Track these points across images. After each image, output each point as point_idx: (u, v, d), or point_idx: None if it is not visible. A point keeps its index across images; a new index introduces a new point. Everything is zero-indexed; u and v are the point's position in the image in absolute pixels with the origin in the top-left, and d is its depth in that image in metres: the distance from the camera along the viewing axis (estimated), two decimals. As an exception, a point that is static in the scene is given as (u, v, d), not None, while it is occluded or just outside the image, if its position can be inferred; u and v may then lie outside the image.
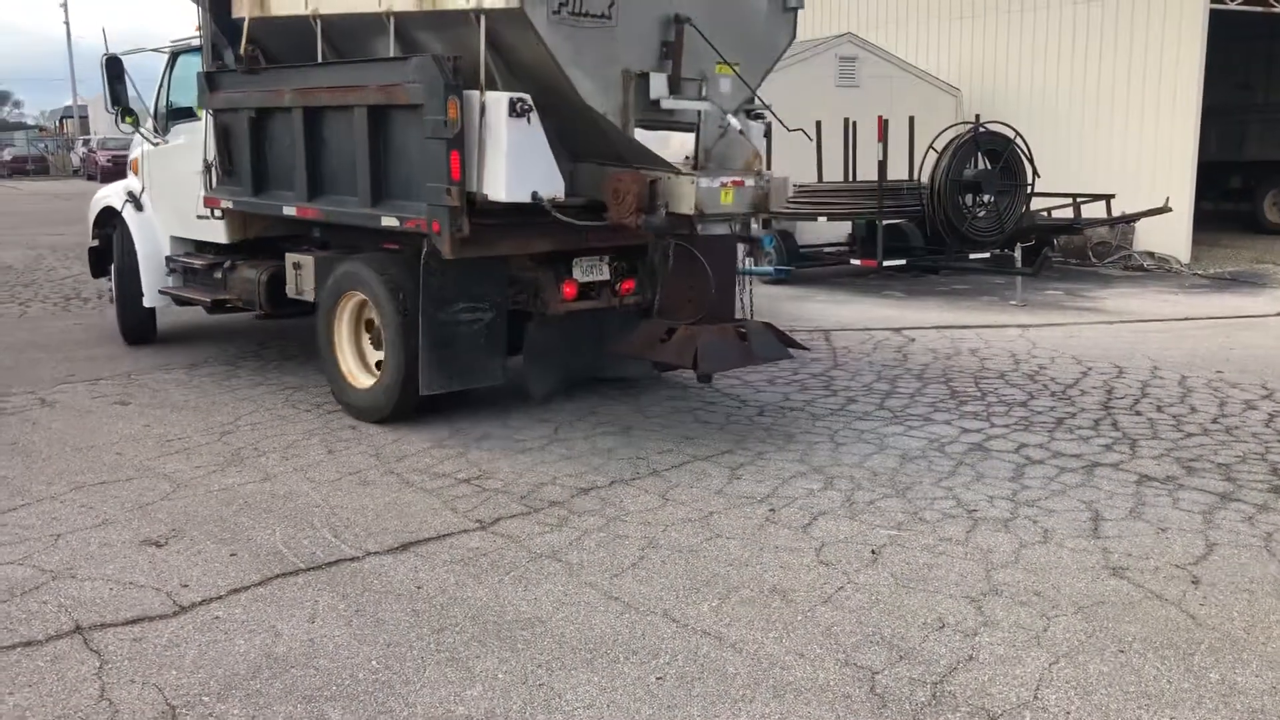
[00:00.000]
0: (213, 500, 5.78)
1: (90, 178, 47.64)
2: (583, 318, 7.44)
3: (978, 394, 8.15)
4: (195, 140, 8.62)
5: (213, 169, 8.37)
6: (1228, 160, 20.09)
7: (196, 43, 8.74)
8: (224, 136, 8.20)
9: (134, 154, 9.93)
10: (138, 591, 4.64)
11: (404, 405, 7.06)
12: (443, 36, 6.74)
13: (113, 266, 9.88)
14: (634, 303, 7.42)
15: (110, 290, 10.12)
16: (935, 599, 4.55)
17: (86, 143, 53.05)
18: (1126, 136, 16.38)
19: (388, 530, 5.34)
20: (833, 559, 4.98)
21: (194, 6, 8.57)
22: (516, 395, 7.97)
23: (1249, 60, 19.99)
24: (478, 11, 6.29)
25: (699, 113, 6.73)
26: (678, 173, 6.43)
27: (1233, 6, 15.29)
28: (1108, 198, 15.04)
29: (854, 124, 14.81)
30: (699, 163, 6.69)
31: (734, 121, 6.82)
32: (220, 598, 4.58)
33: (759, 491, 5.90)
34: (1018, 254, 13.24)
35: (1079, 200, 14.95)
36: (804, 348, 7.86)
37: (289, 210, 7.70)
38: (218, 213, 8.45)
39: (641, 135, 6.63)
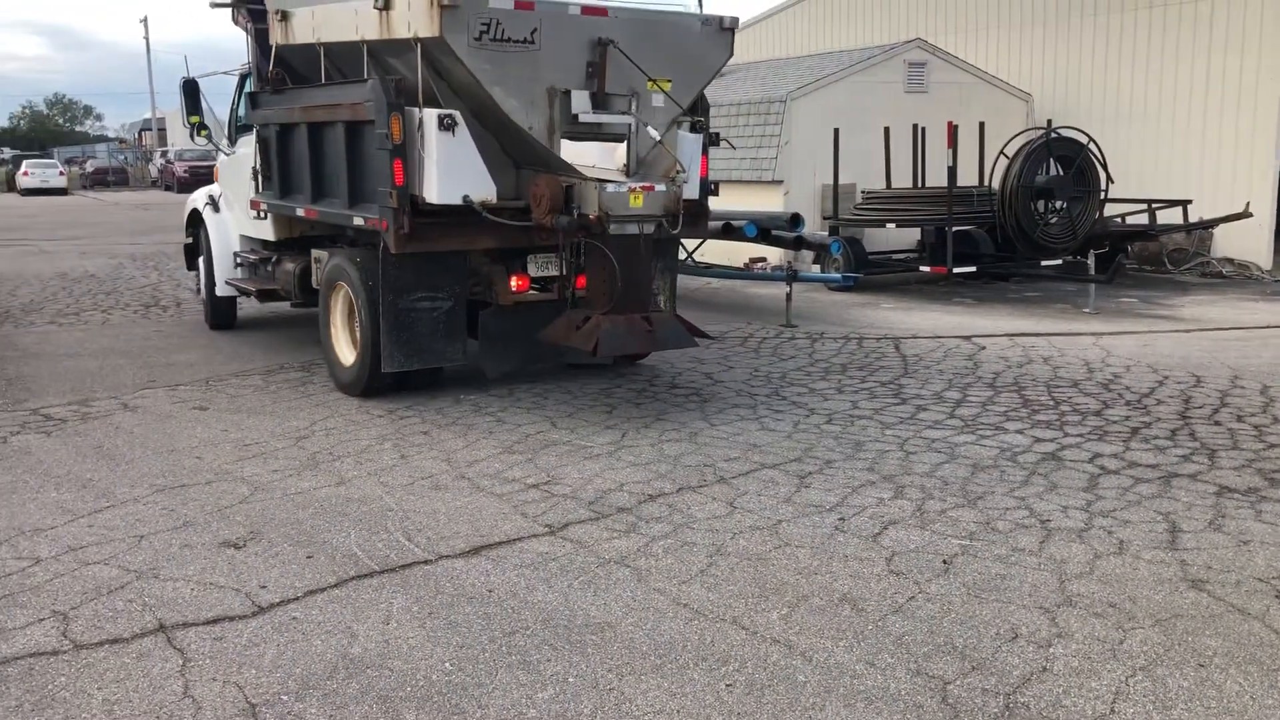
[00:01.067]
0: (289, 503, 5.90)
1: (168, 188, 48.87)
2: (539, 308, 8.15)
3: (1050, 403, 8.03)
4: (250, 151, 9.77)
5: (257, 175, 9.50)
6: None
7: None
8: (263, 147, 9.33)
9: (216, 163, 11.61)
10: (218, 592, 4.76)
11: (374, 381, 8.03)
12: (402, 60, 7.53)
13: (198, 261, 11.64)
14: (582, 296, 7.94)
15: (198, 281, 11.78)
16: (1008, 609, 4.50)
17: (164, 154, 54.42)
18: (1204, 141, 16.04)
19: (459, 534, 5.41)
20: (904, 568, 4.94)
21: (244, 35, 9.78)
22: (583, 401, 8.02)
23: None
24: (415, 40, 7.13)
25: (629, 126, 7.49)
26: (584, 179, 7.13)
27: (1316, 7, 14.90)
28: (1184, 203, 14.74)
29: (923, 130, 14.69)
30: (630, 170, 7.51)
31: (652, 133, 7.47)
32: (297, 599, 4.68)
33: (828, 500, 5.88)
34: (1091, 261, 13.03)
35: (1155, 206, 14.67)
36: (710, 337, 8.87)
37: (300, 211, 8.85)
38: (261, 214, 9.64)
39: (570, 146, 7.42)
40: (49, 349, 10.51)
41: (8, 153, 71.17)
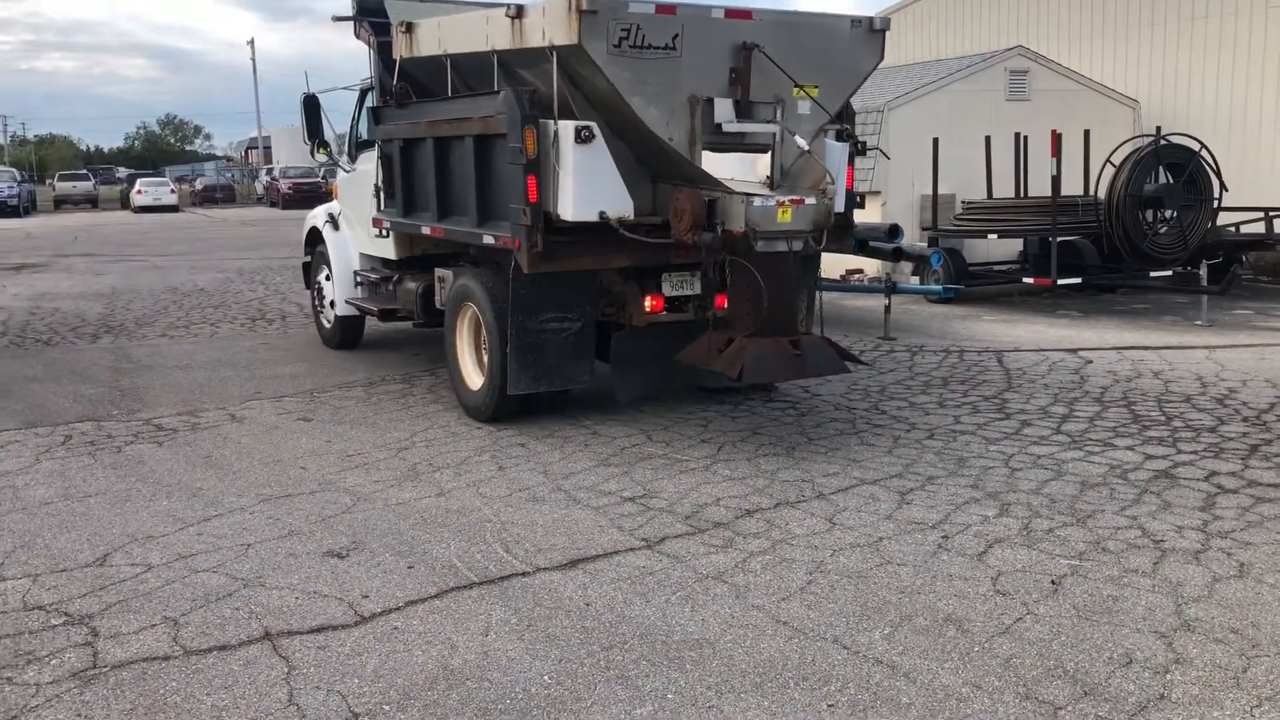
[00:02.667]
0: (390, 514, 5.98)
1: (273, 204, 50.27)
2: (673, 329, 7.67)
3: (1162, 418, 7.76)
4: (371, 167, 9.49)
5: (379, 192, 9.26)
6: None
7: None
8: (386, 163, 9.07)
9: (335, 180, 11.35)
10: (322, 601, 4.84)
11: (502, 405, 7.72)
12: (535, 71, 7.20)
13: (317, 280, 11.34)
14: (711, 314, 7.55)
15: (316, 300, 11.51)
16: (1121, 633, 4.34)
17: (270, 171, 55.95)
18: (1324, 146, 15.40)
19: (556, 547, 5.42)
20: (1010, 589, 4.80)
21: (365, 49, 9.56)
22: (678, 414, 8.00)
23: None
24: (550, 48, 6.78)
25: (774, 135, 7.00)
26: (730, 192, 6.66)
27: None
28: (1303, 211, 14.15)
29: (1025, 138, 14.38)
30: (775, 183, 7.02)
31: (800, 142, 6.95)
32: (399, 609, 4.73)
33: (930, 517, 5.75)
34: (1203, 271, 12.58)
35: (1271, 214, 14.11)
36: (863, 363, 8.09)
37: (425, 229, 8.51)
38: (385, 231, 9.34)
39: (711, 158, 6.99)
40: (160, 361, 10.86)
41: (123, 172, 73.97)
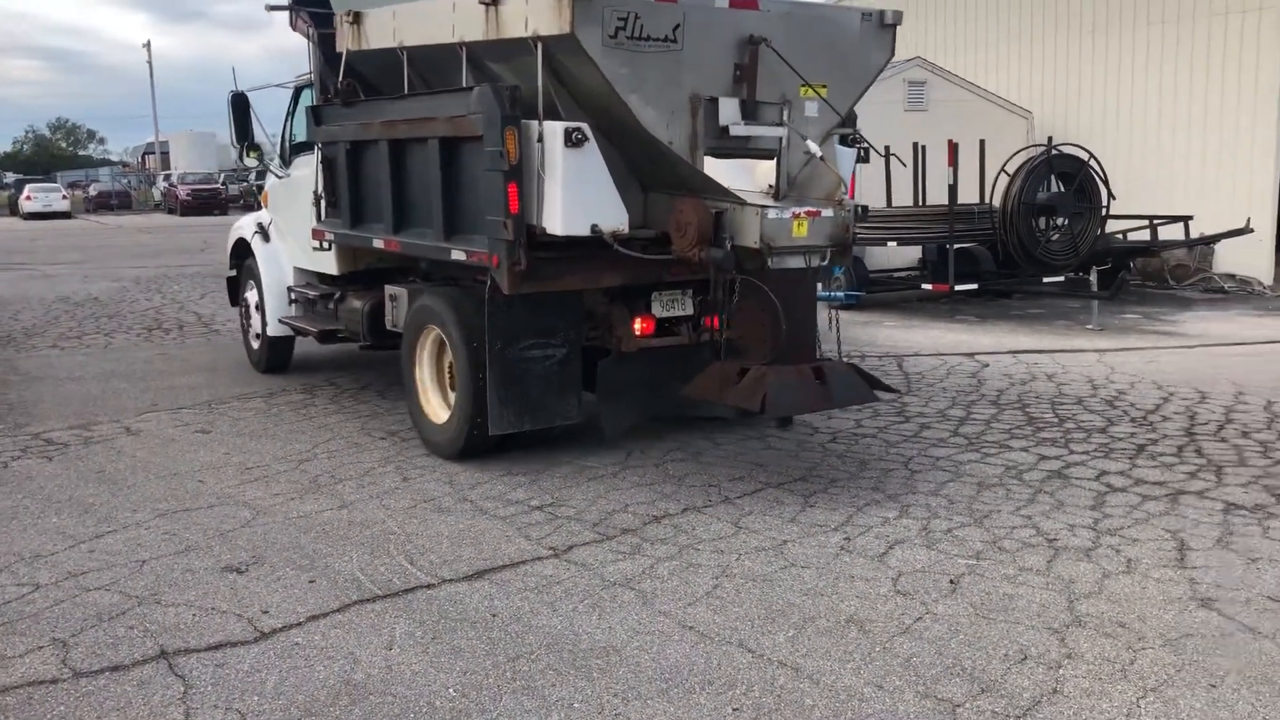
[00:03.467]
0: (291, 527, 5.87)
1: (171, 211, 49.00)
2: (663, 353, 7.08)
3: (1055, 420, 8.00)
4: (310, 173, 8.64)
5: (320, 201, 8.34)
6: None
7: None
8: (328, 169, 8.17)
9: (265, 186, 10.32)
10: (220, 617, 4.72)
11: (475, 443, 6.89)
12: (510, 66, 6.57)
13: (245, 296, 10.37)
14: (718, 340, 6.88)
15: (244, 320, 10.54)
16: (1017, 630, 4.46)
17: (168, 177, 54.55)
18: (1205, 158, 16.05)
19: (462, 558, 5.38)
20: (910, 589, 4.90)
21: (305, 43, 8.67)
22: (587, 423, 8.00)
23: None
24: (534, 38, 6.08)
25: (780, 139, 6.34)
26: (742, 203, 6.07)
27: (1314, 22, 14.94)
28: (1186, 219, 14.74)
29: (923, 148, 14.71)
30: (780, 192, 6.30)
31: (813, 147, 6.41)
32: (300, 624, 4.64)
33: (833, 520, 5.84)
34: (1093, 277, 13.01)
35: (1156, 222, 14.67)
36: (893, 390, 7.41)
37: (377, 243, 7.64)
38: (325, 244, 8.47)
39: (712, 164, 6.34)
40: (51, 373, 10.50)
41: (10, 177, 71.38)
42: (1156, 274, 16.32)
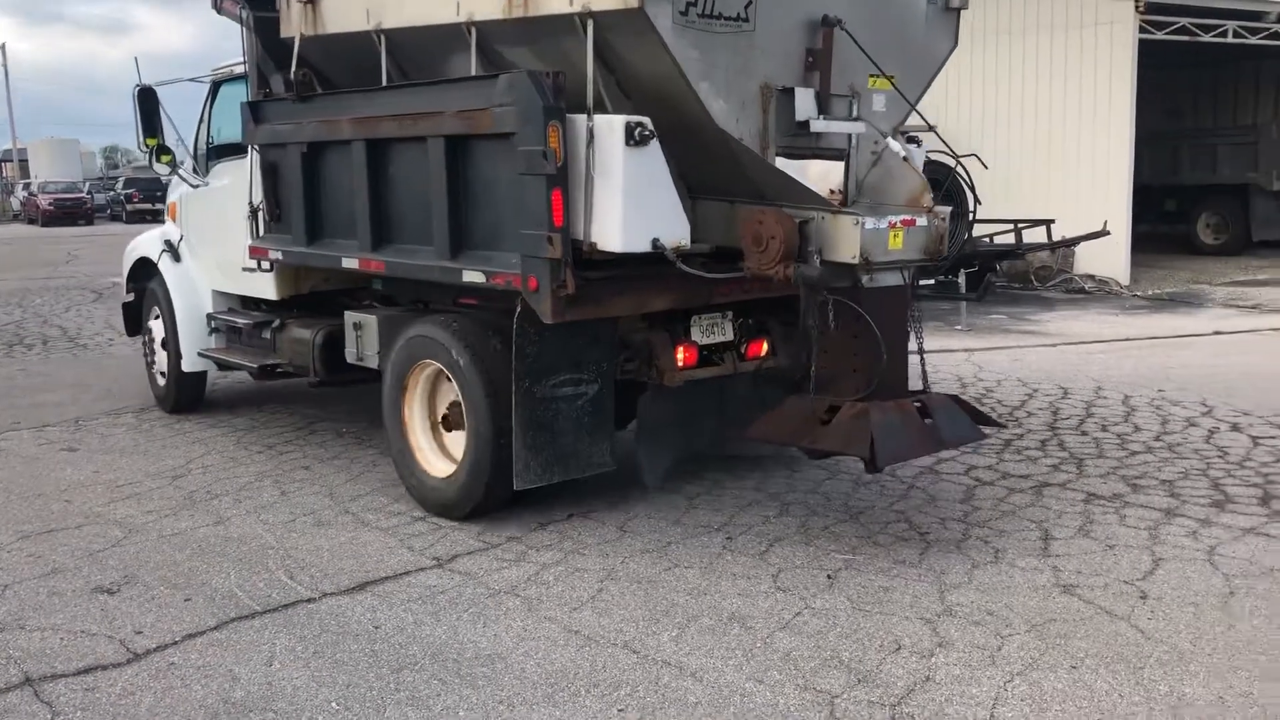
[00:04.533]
0: (165, 545, 5.71)
1: (31, 221, 46.94)
2: (700, 386, 6.21)
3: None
4: (241, 181, 7.54)
5: (259, 214, 7.20)
6: (1163, 184, 20.64)
7: (240, 70, 7.78)
8: (271, 175, 7.04)
9: (171, 197, 9.03)
10: (90, 640, 4.57)
11: (491, 500, 5.89)
12: (538, 51, 5.65)
13: (148, 324, 8.96)
14: (765, 368, 6.32)
15: (148, 352, 9.08)
16: (891, 621, 4.61)
17: (27, 186, 52.28)
18: (1065, 163, 16.75)
19: (344, 570, 5.31)
20: (790, 585, 5.02)
21: (237, 28, 7.57)
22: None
23: (1179, 88, 20.57)
24: (584, 15, 5.15)
25: (850, 137, 5.62)
26: (836, 211, 5.21)
27: (1160, 36, 15.73)
28: (1048, 223, 15.32)
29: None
30: (848, 198, 5.61)
31: (896, 146, 5.72)
32: (175, 643, 4.53)
33: (716, 520, 5.94)
34: (961, 280, 13.45)
35: (1020, 226, 15.22)
36: (998, 423, 6.65)
37: (349, 263, 6.54)
38: (266, 264, 7.33)
39: (782, 165, 5.53)
40: (-98, 392, 9.99)
41: None
42: (1021, 276, 16.95)
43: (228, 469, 7.14)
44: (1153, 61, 16.26)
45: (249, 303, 8.06)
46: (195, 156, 8.50)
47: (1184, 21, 15.27)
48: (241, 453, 7.54)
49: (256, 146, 7.14)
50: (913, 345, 5.70)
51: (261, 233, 7.24)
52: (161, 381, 8.88)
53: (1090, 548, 5.42)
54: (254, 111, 7.15)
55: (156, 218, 46.64)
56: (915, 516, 5.93)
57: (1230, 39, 16.29)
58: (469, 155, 5.69)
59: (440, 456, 6.23)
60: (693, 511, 6.10)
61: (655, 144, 5.14)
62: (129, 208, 46.99)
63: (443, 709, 3.95)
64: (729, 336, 6.22)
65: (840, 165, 5.68)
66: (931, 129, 6.25)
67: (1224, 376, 9.43)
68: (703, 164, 5.51)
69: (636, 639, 4.50)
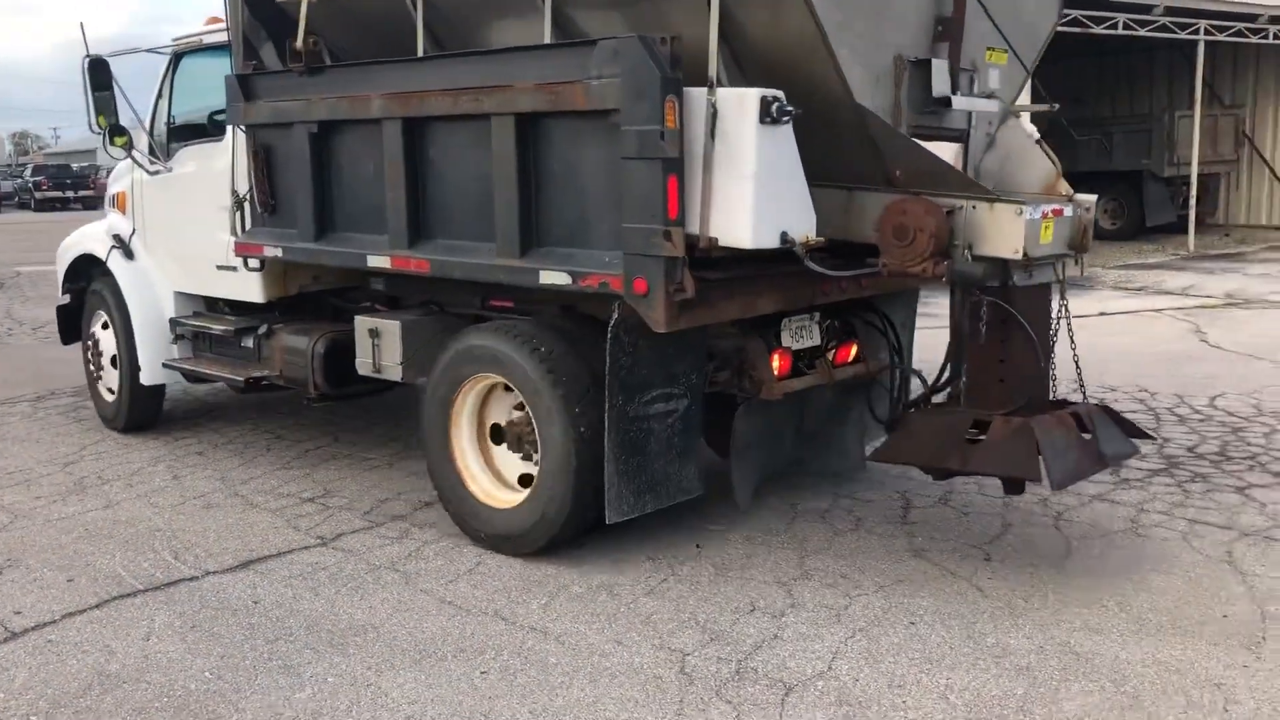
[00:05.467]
0: (52, 529, 5.78)
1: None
2: (798, 397, 5.63)
3: (814, 397, 8.56)
4: (213, 166, 6.82)
5: (244, 204, 6.47)
6: (1064, 172, 21.27)
7: (210, 40, 7.09)
8: (264, 160, 6.29)
9: (117, 186, 7.89)
10: (-31, 621, 4.67)
11: (569, 532, 5.21)
12: (631, 16, 4.97)
13: (93, 331, 7.86)
14: (853, 375, 5.77)
15: (92, 364, 7.95)
16: (750, 585, 4.87)
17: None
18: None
19: (228, 550, 5.44)
20: (660, 555, 5.25)
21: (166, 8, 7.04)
22: (375, 415, 8.06)
23: (1078, 78, 21.22)
24: None
25: (970, 116, 5.19)
26: (992, 200, 4.63)
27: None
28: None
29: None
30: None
31: (1027, 126, 5.34)
32: (54, 622, 4.64)
33: (596, 496, 6.16)
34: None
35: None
36: (1149, 435, 6.02)
37: (377, 261, 5.74)
38: (254, 262, 6.55)
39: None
40: None
41: None
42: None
43: (120, 455, 7.20)
44: (1050, 54, 16.77)
45: (215, 305, 7.27)
46: (154, 139, 7.38)
47: (1076, 14, 15.79)
48: (135, 439, 7.59)
49: (244, 127, 6.36)
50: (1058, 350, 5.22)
51: (249, 226, 6.50)
52: (110, 398, 7.75)
53: (947, 515, 5.75)
54: (244, 87, 6.27)
55: (67, 206, 45.50)
56: (786, 491, 6.20)
57: (1120, 30, 16.88)
58: (548, 136, 4.96)
59: (496, 483, 5.49)
60: (576, 488, 6.32)
61: (789, 123, 4.52)
62: (38, 195, 45.96)
63: (312, 675, 4.13)
64: (816, 340, 5.57)
65: (954, 148, 5.26)
66: (1053, 110, 5.79)
67: (1101, 355, 9.86)
68: (824, 146, 4.78)
69: (507, 608, 4.71)
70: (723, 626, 4.47)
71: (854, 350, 5.76)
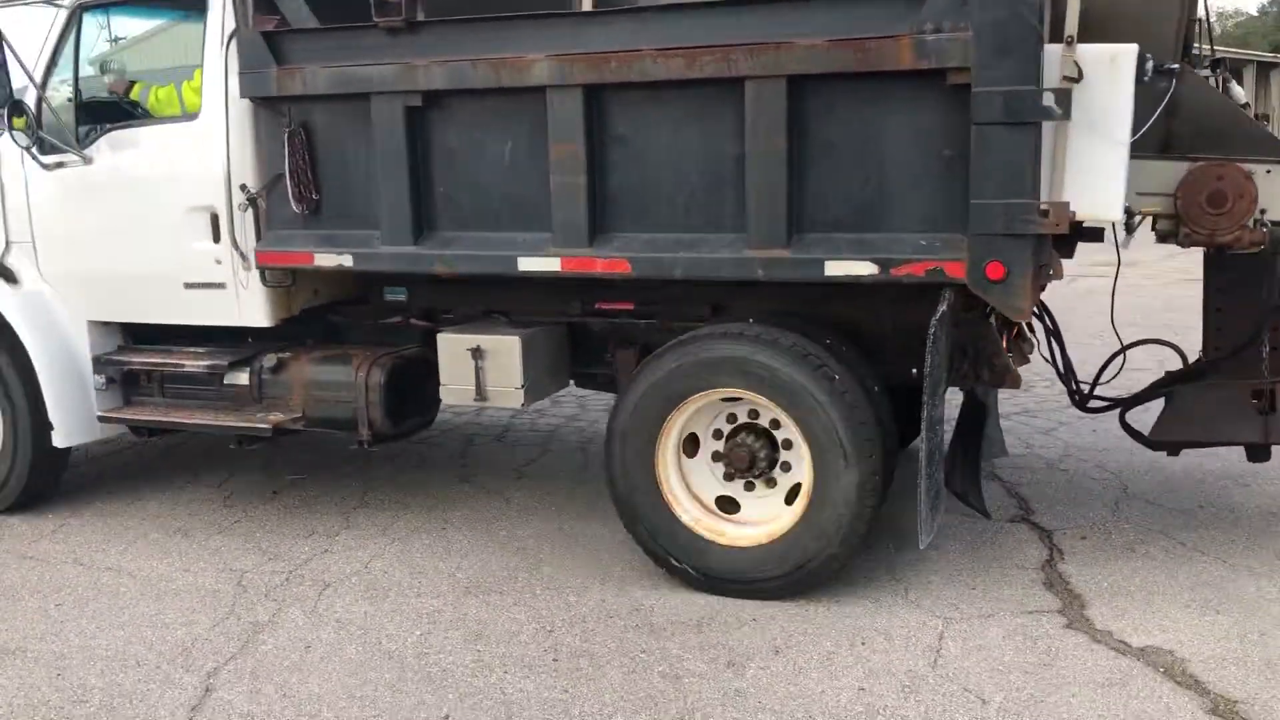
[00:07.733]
0: None
1: None
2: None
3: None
4: (180, 154, 5.32)
5: (257, 202, 5.17)
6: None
7: None
8: (305, 143, 5.06)
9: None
10: None
11: (828, 573, 4.55)
12: None
13: None
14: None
15: None
16: (315, 518, 5.69)
17: None
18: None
19: None
20: (237, 503, 5.96)
21: None
22: None
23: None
24: None
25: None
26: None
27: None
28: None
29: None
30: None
31: (1237, 91, 5.31)
32: None
33: (191, 463, 6.75)
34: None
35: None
36: None
37: (535, 263, 4.77)
38: (271, 274, 5.26)
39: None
40: None
41: None
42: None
43: None
44: None
45: (141, 337, 5.84)
46: (57, 120, 5.55)
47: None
48: None
49: (261, 100, 5.09)
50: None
51: (265, 230, 5.22)
52: None
53: (497, 449, 6.82)
54: (275, 48, 5.00)
55: None
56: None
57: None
58: (833, 102, 4.27)
59: (715, 517, 4.75)
60: (172, 454, 6.88)
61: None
62: None
63: (-112, 627, 4.56)
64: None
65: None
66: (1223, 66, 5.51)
67: None
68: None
69: (86, 555, 5.28)
70: (281, 549, 5.27)
71: (1017, 331, 5.27)
